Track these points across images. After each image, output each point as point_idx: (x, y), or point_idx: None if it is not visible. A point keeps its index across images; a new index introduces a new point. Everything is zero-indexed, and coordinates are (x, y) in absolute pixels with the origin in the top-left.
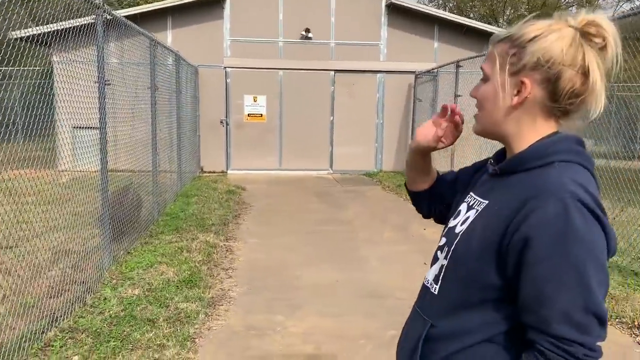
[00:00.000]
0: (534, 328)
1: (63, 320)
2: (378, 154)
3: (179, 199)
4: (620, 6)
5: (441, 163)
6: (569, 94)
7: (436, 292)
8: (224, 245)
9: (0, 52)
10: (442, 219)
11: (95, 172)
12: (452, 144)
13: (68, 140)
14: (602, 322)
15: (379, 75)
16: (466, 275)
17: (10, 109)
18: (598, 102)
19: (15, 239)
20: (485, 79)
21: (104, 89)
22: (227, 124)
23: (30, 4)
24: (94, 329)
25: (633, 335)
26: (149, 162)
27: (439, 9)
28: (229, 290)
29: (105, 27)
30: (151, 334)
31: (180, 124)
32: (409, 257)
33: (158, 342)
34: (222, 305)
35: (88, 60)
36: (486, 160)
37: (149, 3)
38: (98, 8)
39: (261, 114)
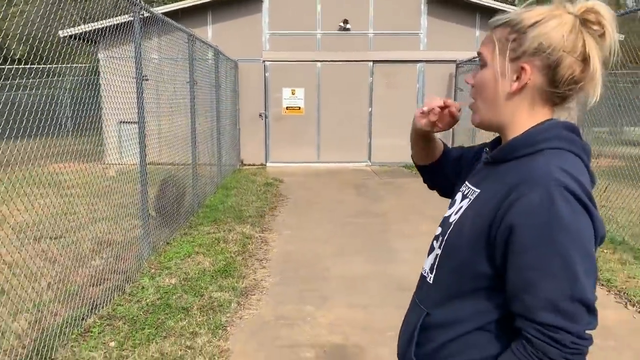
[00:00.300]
0: (521, 316)
1: (102, 307)
2: None
3: (219, 191)
4: None
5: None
6: (568, 80)
7: (431, 282)
8: (259, 236)
9: (51, 52)
10: (447, 195)
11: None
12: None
13: (114, 134)
14: (590, 310)
15: (419, 65)
16: (458, 264)
17: (60, 105)
18: (596, 89)
19: (62, 229)
20: (483, 65)
21: (142, 84)
22: (266, 117)
23: (80, 2)
24: (130, 316)
25: None
26: (189, 156)
27: None
28: (261, 280)
29: (143, 24)
30: (185, 322)
31: (220, 117)
32: None
33: (191, 330)
34: (255, 295)
35: (130, 56)
36: (484, 144)
37: None
38: (135, 5)
39: (299, 107)
